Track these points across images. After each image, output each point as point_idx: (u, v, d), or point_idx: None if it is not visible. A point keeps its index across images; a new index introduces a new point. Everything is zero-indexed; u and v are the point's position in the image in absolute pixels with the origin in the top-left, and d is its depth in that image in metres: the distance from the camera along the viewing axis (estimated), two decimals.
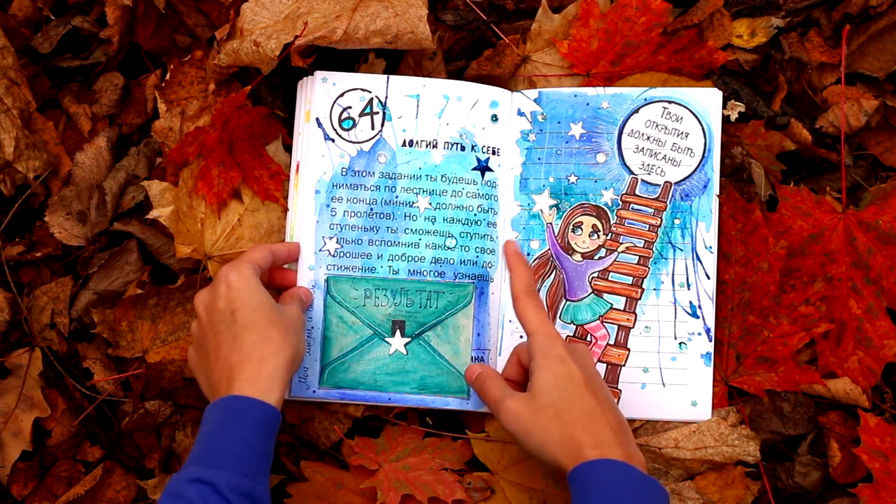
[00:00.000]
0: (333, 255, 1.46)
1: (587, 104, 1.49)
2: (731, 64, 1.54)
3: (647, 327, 1.46)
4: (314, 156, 1.48)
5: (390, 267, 1.46)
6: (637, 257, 1.47)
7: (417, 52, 1.53)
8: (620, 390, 1.46)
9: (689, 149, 1.47)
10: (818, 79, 1.56)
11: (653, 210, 1.47)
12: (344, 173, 1.47)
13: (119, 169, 1.55)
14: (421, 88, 1.48)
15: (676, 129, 1.47)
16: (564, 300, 1.47)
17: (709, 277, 1.45)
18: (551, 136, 1.49)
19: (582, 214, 1.48)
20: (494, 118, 1.49)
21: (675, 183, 1.47)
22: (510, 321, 1.47)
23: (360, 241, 1.47)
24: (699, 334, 1.45)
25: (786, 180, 1.53)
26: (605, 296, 1.47)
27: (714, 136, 1.47)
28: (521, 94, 1.51)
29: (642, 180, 1.47)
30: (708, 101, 1.48)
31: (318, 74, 1.48)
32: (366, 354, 1.46)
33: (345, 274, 1.47)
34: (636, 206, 1.47)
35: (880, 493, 1.40)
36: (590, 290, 1.47)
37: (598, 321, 1.47)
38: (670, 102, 1.48)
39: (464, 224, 1.46)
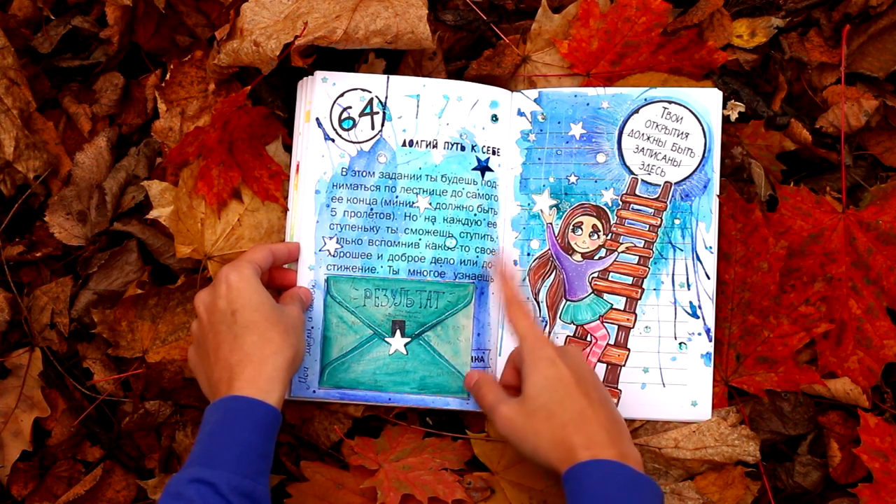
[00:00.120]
0: (333, 255, 1.46)
1: (587, 104, 1.49)
2: (731, 64, 1.54)
3: (647, 327, 1.46)
4: (314, 156, 1.48)
5: (390, 267, 1.46)
6: (637, 257, 1.47)
7: (417, 52, 1.53)
8: (620, 390, 1.46)
9: (689, 149, 1.47)
10: (818, 79, 1.56)
11: (653, 210, 1.47)
12: (344, 173, 1.47)
13: (119, 169, 1.55)
14: (421, 88, 1.48)
15: (676, 130, 1.47)
16: (564, 300, 1.47)
17: (709, 277, 1.45)
18: (551, 136, 1.49)
19: (582, 214, 1.48)
20: (494, 118, 1.49)
21: (676, 183, 1.47)
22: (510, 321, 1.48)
23: (360, 241, 1.47)
24: (699, 334, 1.45)
25: (786, 180, 1.53)
26: (606, 296, 1.47)
27: (714, 137, 1.47)
28: (521, 94, 1.51)
29: (642, 180, 1.47)
30: (708, 101, 1.48)
31: (318, 74, 1.48)
32: (366, 354, 1.46)
33: (345, 274, 1.47)
34: (636, 207, 1.47)
35: (880, 493, 1.40)
36: (590, 290, 1.47)
37: (598, 321, 1.47)
38: (670, 102, 1.48)
39: (464, 224, 1.46)
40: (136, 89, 1.61)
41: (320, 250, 1.47)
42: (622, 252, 1.47)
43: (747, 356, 1.46)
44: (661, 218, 1.46)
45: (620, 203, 1.47)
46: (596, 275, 1.47)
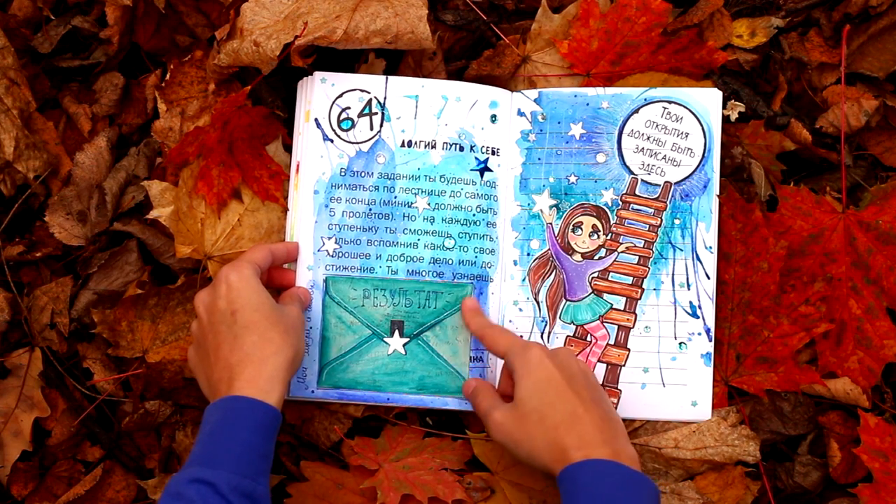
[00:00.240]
0: (332, 256, 1.46)
1: (587, 104, 1.49)
2: (731, 64, 1.54)
3: (647, 327, 1.46)
4: (313, 156, 1.48)
5: (389, 267, 1.46)
6: (637, 257, 1.47)
7: (417, 52, 1.53)
8: (620, 390, 1.46)
9: (688, 149, 1.47)
10: (818, 79, 1.56)
11: (653, 210, 1.47)
12: (343, 174, 1.47)
13: (119, 169, 1.55)
14: (420, 89, 1.48)
15: (676, 129, 1.47)
16: (564, 300, 1.47)
17: (709, 277, 1.45)
18: (551, 136, 1.49)
19: (582, 214, 1.48)
20: (494, 118, 1.49)
21: (675, 183, 1.47)
22: (510, 322, 1.47)
23: (358, 242, 1.47)
24: (699, 334, 1.45)
25: (786, 180, 1.53)
26: (605, 296, 1.47)
27: (714, 136, 1.47)
28: (521, 95, 1.51)
29: (642, 180, 1.47)
30: (708, 101, 1.48)
31: (317, 75, 1.48)
32: (364, 354, 1.46)
33: (343, 274, 1.47)
34: (636, 206, 1.47)
35: (880, 493, 1.40)
36: (590, 290, 1.47)
37: (598, 321, 1.47)
38: (670, 102, 1.48)
39: (462, 224, 1.46)
40: (136, 89, 1.61)
41: (319, 250, 1.47)
42: (622, 252, 1.47)
43: (747, 356, 1.46)
44: (660, 218, 1.46)
45: (620, 203, 1.47)
46: (596, 275, 1.47)
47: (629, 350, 1.46)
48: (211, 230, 1.49)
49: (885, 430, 1.42)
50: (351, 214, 1.47)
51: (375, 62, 1.54)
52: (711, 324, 1.45)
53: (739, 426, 1.43)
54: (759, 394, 1.45)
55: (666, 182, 1.47)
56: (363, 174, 1.47)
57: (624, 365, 1.46)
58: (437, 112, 1.48)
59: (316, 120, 1.48)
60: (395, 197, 1.47)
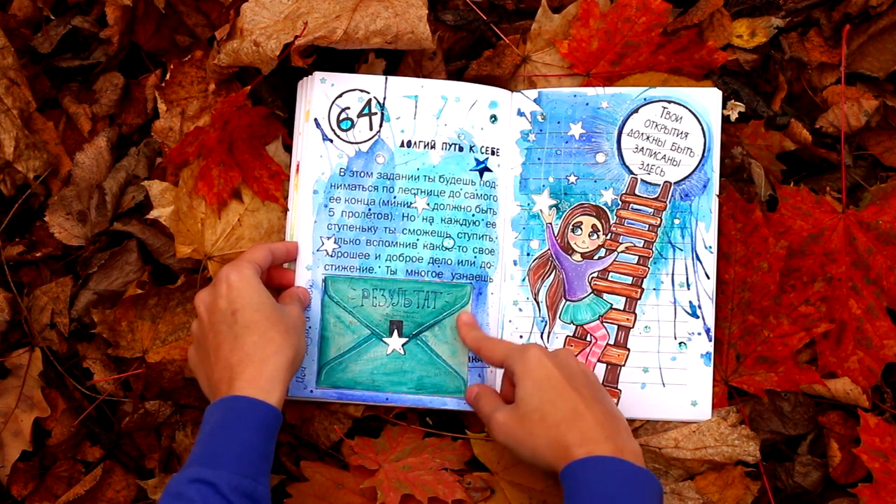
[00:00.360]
0: (331, 255, 1.46)
1: (587, 104, 1.49)
2: (731, 64, 1.54)
3: (646, 327, 1.46)
4: (313, 156, 1.48)
5: (388, 267, 1.46)
6: (637, 257, 1.47)
7: (417, 52, 1.53)
8: (620, 390, 1.46)
9: (688, 148, 1.47)
10: (818, 79, 1.56)
11: (652, 210, 1.47)
12: (342, 174, 1.47)
13: (119, 169, 1.55)
14: (419, 89, 1.48)
15: (676, 129, 1.47)
16: (564, 300, 1.47)
17: (708, 277, 1.45)
18: (551, 136, 1.49)
19: (581, 214, 1.48)
20: (493, 118, 1.49)
21: (675, 183, 1.47)
22: (510, 321, 1.47)
23: (357, 242, 1.47)
24: (699, 334, 1.45)
25: (786, 180, 1.53)
26: (605, 296, 1.47)
27: (714, 136, 1.47)
28: (521, 95, 1.51)
29: (642, 180, 1.47)
30: (707, 100, 1.48)
31: (317, 75, 1.49)
32: (363, 354, 1.46)
33: (342, 274, 1.47)
34: (636, 206, 1.47)
35: (880, 493, 1.40)
36: (589, 290, 1.47)
37: (597, 321, 1.47)
38: (670, 102, 1.48)
39: (461, 224, 1.46)
40: (136, 89, 1.61)
41: (318, 250, 1.47)
42: (622, 252, 1.47)
43: (747, 356, 1.46)
44: (660, 217, 1.46)
45: (620, 203, 1.47)
46: (595, 275, 1.47)
47: (629, 350, 1.46)
48: (211, 230, 1.49)
49: (885, 430, 1.42)
50: (350, 214, 1.47)
51: (375, 62, 1.54)
52: (711, 323, 1.45)
53: (739, 426, 1.43)
54: (759, 394, 1.45)
55: (665, 182, 1.47)
56: (362, 174, 1.47)
57: (624, 365, 1.46)
58: (437, 112, 1.48)
59: (315, 120, 1.48)
60: (395, 197, 1.47)
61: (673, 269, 1.46)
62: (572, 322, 1.47)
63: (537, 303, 1.47)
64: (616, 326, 1.47)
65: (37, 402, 1.51)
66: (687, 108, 1.48)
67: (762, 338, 1.45)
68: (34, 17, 1.61)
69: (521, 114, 1.50)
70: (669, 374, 1.45)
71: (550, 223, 1.48)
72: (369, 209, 1.47)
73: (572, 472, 1.24)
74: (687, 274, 1.46)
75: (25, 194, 1.55)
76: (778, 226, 1.47)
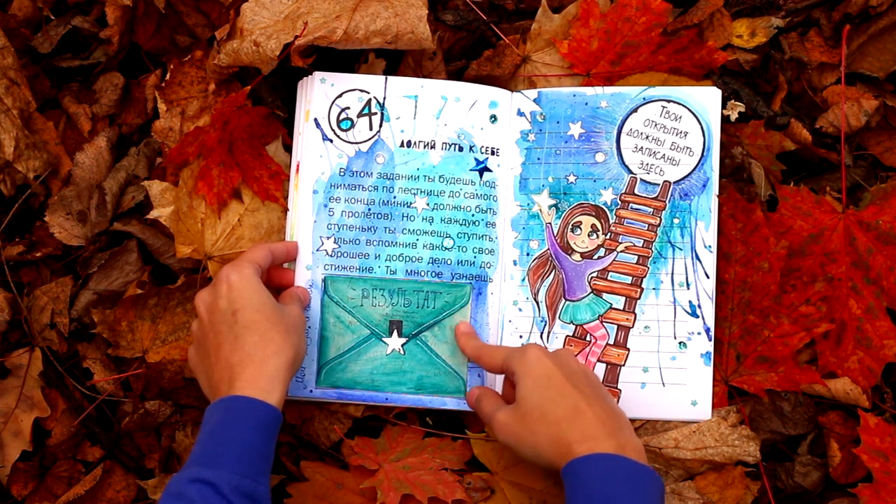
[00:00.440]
0: (331, 255, 1.47)
1: (586, 104, 1.49)
2: (731, 64, 1.54)
3: (646, 327, 1.46)
4: (312, 156, 1.48)
5: (388, 267, 1.46)
6: (636, 257, 1.47)
7: (417, 52, 1.53)
8: (620, 390, 1.46)
9: (687, 148, 1.47)
10: (818, 79, 1.56)
11: (652, 209, 1.47)
12: (342, 173, 1.47)
13: (119, 169, 1.55)
14: (419, 89, 1.48)
15: (675, 128, 1.47)
16: (564, 300, 1.47)
17: (708, 277, 1.45)
18: (550, 136, 1.49)
19: (581, 214, 1.48)
20: (493, 118, 1.49)
21: (674, 182, 1.47)
22: (510, 321, 1.47)
23: (357, 241, 1.47)
24: (699, 334, 1.45)
25: (786, 180, 1.53)
26: (605, 295, 1.47)
27: (713, 135, 1.47)
28: (521, 94, 1.51)
29: (641, 179, 1.47)
30: (707, 99, 1.48)
31: (317, 75, 1.49)
32: (363, 354, 1.47)
33: (342, 274, 1.47)
34: (635, 206, 1.47)
35: (880, 493, 1.40)
36: (589, 290, 1.47)
37: (597, 321, 1.47)
38: (669, 101, 1.48)
39: (461, 224, 1.46)
40: (136, 89, 1.61)
41: (318, 250, 1.47)
42: (621, 251, 1.47)
43: (747, 356, 1.46)
44: (660, 217, 1.46)
45: (619, 202, 1.47)
46: (595, 274, 1.47)
47: (629, 350, 1.46)
48: (211, 230, 1.50)
49: (885, 430, 1.42)
50: (350, 214, 1.47)
51: (375, 62, 1.54)
52: (711, 323, 1.45)
53: (739, 426, 1.43)
54: (759, 394, 1.45)
55: (665, 181, 1.47)
56: (362, 174, 1.47)
57: (623, 365, 1.46)
58: (437, 112, 1.48)
59: (315, 120, 1.48)
60: (395, 197, 1.47)
61: (672, 268, 1.46)
62: (572, 322, 1.47)
63: (537, 303, 1.47)
64: (616, 326, 1.47)
65: (37, 402, 1.51)
66: (686, 107, 1.48)
67: (762, 338, 1.45)
68: (34, 17, 1.61)
69: (520, 114, 1.50)
70: (669, 374, 1.45)
71: (550, 223, 1.48)
72: (369, 209, 1.47)
73: (574, 469, 1.24)
74: (686, 273, 1.46)
75: (25, 194, 1.55)
76: (778, 226, 1.47)
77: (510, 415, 1.32)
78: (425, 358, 1.46)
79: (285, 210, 1.50)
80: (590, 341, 1.47)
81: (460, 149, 1.48)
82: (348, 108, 1.48)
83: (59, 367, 1.53)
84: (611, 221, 1.47)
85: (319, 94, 1.48)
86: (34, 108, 1.56)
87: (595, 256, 1.47)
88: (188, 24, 1.59)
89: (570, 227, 1.48)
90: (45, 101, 1.61)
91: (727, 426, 1.43)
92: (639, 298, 1.46)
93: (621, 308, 1.46)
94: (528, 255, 1.48)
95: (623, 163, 1.48)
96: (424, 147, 1.48)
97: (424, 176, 1.47)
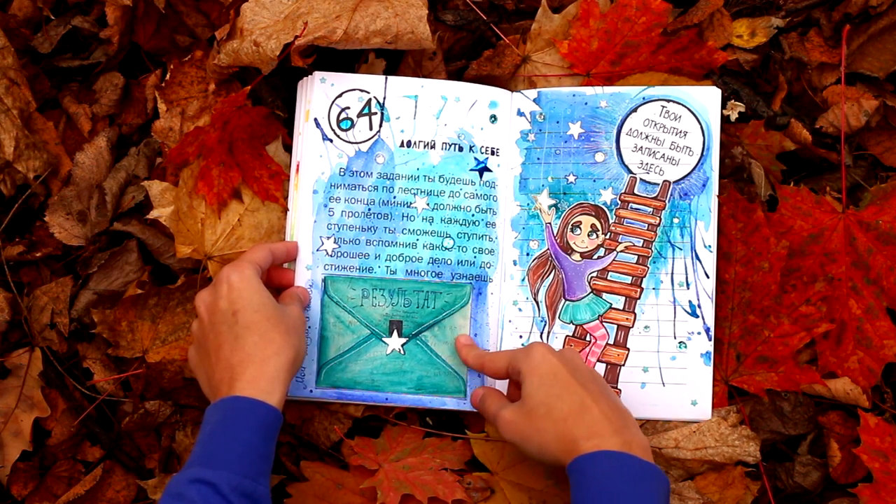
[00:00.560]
0: (331, 255, 1.47)
1: (585, 103, 1.49)
2: (731, 64, 1.54)
3: (646, 327, 1.46)
4: (312, 156, 1.48)
5: (388, 267, 1.46)
6: (636, 256, 1.47)
7: (417, 52, 1.53)
8: (620, 390, 1.46)
9: (687, 147, 1.47)
10: (818, 79, 1.56)
11: (651, 209, 1.47)
12: (342, 173, 1.47)
13: (119, 169, 1.55)
14: (419, 89, 1.48)
15: (675, 128, 1.47)
16: (563, 300, 1.47)
17: (708, 276, 1.45)
18: (550, 136, 1.49)
19: (581, 214, 1.48)
20: (493, 118, 1.49)
21: (674, 182, 1.47)
22: (510, 321, 1.47)
23: (357, 241, 1.47)
24: (699, 333, 1.45)
25: (786, 180, 1.53)
26: (605, 295, 1.47)
27: (713, 135, 1.47)
28: (521, 94, 1.51)
29: (641, 179, 1.47)
30: (706, 99, 1.48)
31: (317, 75, 1.49)
32: (363, 354, 1.47)
33: (342, 274, 1.47)
34: (635, 206, 1.47)
35: (880, 493, 1.40)
36: (589, 290, 1.47)
37: (597, 321, 1.47)
38: (668, 101, 1.48)
39: (461, 224, 1.46)
40: (136, 89, 1.61)
41: (318, 250, 1.47)
42: (621, 251, 1.47)
43: (747, 356, 1.46)
44: (659, 217, 1.46)
45: (619, 202, 1.47)
46: (595, 274, 1.47)
47: (629, 349, 1.46)
48: (211, 230, 1.50)
49: (885, 430, 1.42)
50: (350, 214, 1.47)
51: (375, 62, 1.54)
52: (711, 323, 1.45)
53: (739, 426, 1.43)
54: (759, 393, 1.45)
55: (665, 181, 1.47)
56: (362, 174, 1.47)
57: (623, 364, 1.46)
58: (437, 112, 1.48)
59: (315, 120, 1.48)
60: (394, 197, 1.47)
61: (672, 268, 1.46)
62: (572, 322, 1.47)
63: (537, 303, 1.47)
64: (615, 326, 1.47)
65: (37, 402, 1.51)
66: (686, 106, 1.48)
67: (762, 337, 1.45)
68: (34, 17, 1.61)
69: (520, 114, 1.50)
70: (669, 374, 1.45)
71: (550, 223, 1.48)
72: (369, 209, 1.47)
73: (580, 466, 1.23)
74: (686, 273, 1.46)
75: (25, 194, 1.55)
76: (778, 226, 1.47)
77: (515, 412, 1.32)
78: (425, 358, 1.46)
79: (285, 210, 1.50)
80: (590, 341, 1.47)
81: (460, 149, 1.48)
82: (348, 107, 1.48)
83: (59, 367, 1.53)
84: (610, 221, 1.47)
85: (319, 93, 1.48)
86: (34, 108, 1.56)
87: (595, 256, 1.47)
88: (188, 24, 1.59)
89: (569, 226, 1.48)
90: (45, 101, 1.61)
91: (727, 426, 1.43)
92: (639, 298, 1.46)
93: (621, 308, 1.46)
94: (527, 255, 1.48)
95: (623, 162, 1.48)
96: (424, 147, 1.48)
97: (424, 176, 1.47)
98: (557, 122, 1.49)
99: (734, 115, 1.51)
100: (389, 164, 1.48)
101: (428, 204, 1.47)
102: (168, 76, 1.54)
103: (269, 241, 1.50)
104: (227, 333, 1.30)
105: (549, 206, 1.48)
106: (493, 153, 1.49)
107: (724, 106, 1.50)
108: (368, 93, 1.48)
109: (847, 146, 1.53)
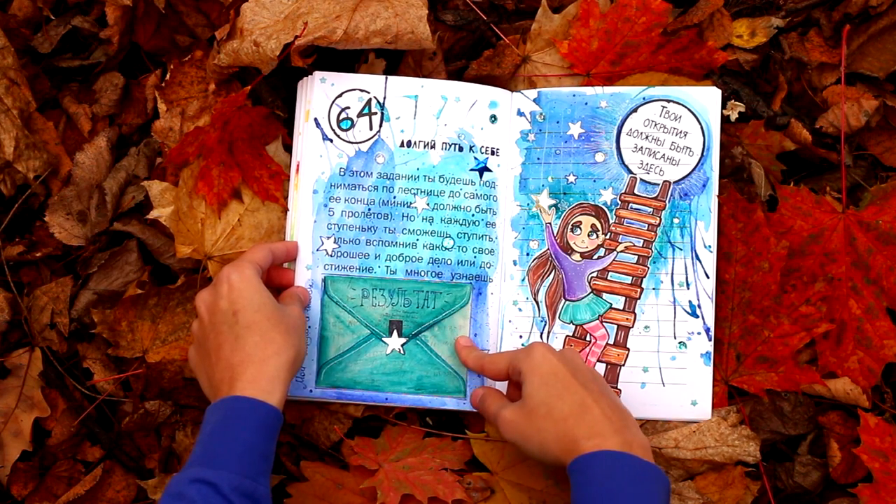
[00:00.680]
0: (331, 255, 1.47)
1: (586, 104, 1.49)
2: (731, 64, 1.54)
3: (646, 327, 1.46)
4: (312, 156, 1.48)
5: (388, 267, 1.46)
6: (636, 257, 1.47)
7: (417, 52, 1.53)
8: (620, 390, 1.46)
9: (687, 147, 1.47)
10: (818, 79, 1.56)
11: (651, 209, 1.47)
12: (342, 173, 1.47)
13: (119, 169, 1.55)
14: (419, 89, 1.48)
15: (675, 128, 1.47)
16: (563, 300, 1.47)
17: (708, 277, 1.45)
18: (550, 136, 1.49)
19: (581, 214, 1.48)
20: (493, 118, 1.49)
21: (674, 182, 1.47)
22: (510, 321, 1.47)
23: (357, 241, 1.47)
24: (699, 334, 1.45)
25: (786, 180, 1.53)
26: (605, 295, 1.47)
27: (713, 135, 1.47)
28: (521, 94, 1.51)
29: (641, 179, 1.47)
30: (706, 99, 1.48)
31: (317, 75, 1.49)
32: (363, 354, 1.47)
33: (342, 274, 1.47)
34: (635, 206, 1.47)
35: (880, 493, 1.40)
36: (589, 290, 1.47)
37: (597, 321, 1.47)
38: (669, 101, 1.48)
39: (461, 224, 1.46)
40: (136, 89, 1.61)
41: (318, 250, 1.47)
42: (621, 251, 1.47)
43: (747, 356, 1.46)
44: (659, 217, 1.46)
45: (619, 202, 1.47)
46: (595, 274, 1.47)
47: (629, 349, 1.46)
48: (211, 230, 1.50)
49: (885, 430, 1.42)
50: (350, 214, 1.47)
51: (375, 62, 1.54)
52: (711, 323, 1.45)
53: (739, 426, 1.43)
54: (759, 394, 1.45)
55: (665, 181, 1.47)
56: (362, 174, 1.47)
57: (623, 364, 1.46)
58: (437, 112, 1.48)
59: (315, 120, 1.48)
60: (394, 197, 1.47)
61: (672, 268, 1.46)
62: (572, 322, 1.47)
63: (537, 303, 1.47)
64: (615, 326, 1.47)
65: (37, 402, 1.51)
66: (686, 107, 1.48)
67: (762, 338, 1.45)
68: (34, 17, 1.61)
69: (520, 114, 1.50)
70: (669, 374, 1.45)
71: (550, 223, 1.48)
72: (369, 209, 1.47)
73: (580, 466, 1.24)
74: (686, 273, 1.46)
75: (25, 194, 1.55)
76: (778, 226, 1.47)
77: (516, 412, 1.32)
78: (425, 358, 1.46)
79: (285, 210, 1.50)
80: (590, 341, 1.47)
81: (460, 149, 1.48)
82: (348, 107, 1.48)
83: (59, 367, 1.53)
84: (611, 221, 1.47)
85: (319, 93, 1.48)
86: (34, 108, 1.56)
87: (595, 256, 1.47)
88: (188, 24, 1.59)
89: (569, 227, 1.48)
90: (45, 101, 1.60)
91: (727, 426, 1.43)
92: (639, 298, 1.46)
93: (621, 308, 1.46)
94: (527, 255, 1.48)
95: (623, 163, 1.48)
96: (424, 147, 1.48)
97: (424, 176, 1.47)
98: (557, 122, 1.49)
99: (734, 115, 1.51)
100: (389, 164, 1.48)
101: (428, 204, 1.47)
102: (168, 76, 1.54)
103: (269, 241, 1.50)
104: (227, 333, 1.30)
105: (549, 206, 1.48)
106: (493, 153, 1.49)
107: (724, 106, 1.50)
108: (368, 93, 1.48)
109: (847, 146, 1.52)
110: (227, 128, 1.47)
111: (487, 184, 1.48)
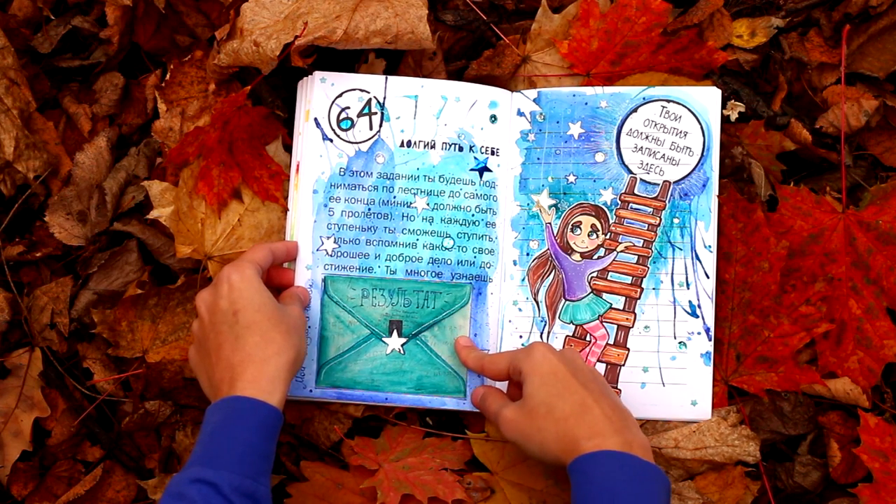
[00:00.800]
0: (331, 255, 1.47)
1: (586, 104, 1.49)
2: (731, 64, 1.54)
3: (646, 327, 1.46)
4: (312, 156, 1.48)
5: (388, 267, 1.46)
6: (636, 257, 1.47)
7: (417, 52, 1.53)
8: (620, 390, 1.46)
9: (687, 147, 1.47)
10: (818, 79, 1.56)
11: (651, 209, 1.47)
12: (342, 173, 1.47)
13: (119, 169, 1.55)
14: (419, 89, 1.48)
15: (675, 128, 1.47)
16: (564, 300, 1.47)
17: (708, 277, 1.45)
18: (550, 136, 1.49)
19: (581, 214, 1.48)
20: (493, 118, 1.49)
21: (674, 182, 1.47)
22: (510, 321, 1.47)
23: (357, 241, 1.47)
24: (699, 334, 1.45)
25: (786, 180, 1.53)
26: (605, 295, 1.47)
27: (713, 135, 1.47)
28: (521, 94, 1.51)
29: (641, 179, 1.47)
30: (706, 99, 1.48)
31: (317, 75, 1.49)
32: (363, 354, 1.47)
33: (342, 274, 1.47)
34: (635, 206, 1.47)
35: (880, 493, 1.40)
36: (589, 290, 1.47)
37: (597, 321, 1.47)
38: (669, 101, 1.48)
39: (461, 224, 1.46)
40: (136, 89, 1.61)
41: (318, 250, 1.47)
42: (621, 251, 1.47)
43: (747, 356, 1.45)
44: (659, 217, 1.46)
45: (619, 202, 1.47)
46: (595, 274, 1.47)
47: (629, 349, 1.46)
48: (211, 230, 1.50)
49: (885, 430, 1.42)
50: (350, 214, 1.47)
51: (375, 62, 1.54)
52: (711, 323, 1.45)
53: (739, 426, 1.43)
54: (759, 393, 1.45)
55: (665, 181, 1.47)
56: (362, 174, 1.47)
57: (623, 364, 1.46)
58: (437, 112, 1.48)
59: (315, 120, 1.48)
60: (394, 197, 1.47)
61: (672, 268, 1.46)
62: (572, 322, 1.47)
63: (537, 303, 1.47)
64: (616, 326, 1.47)
65: (37, 402, 1.51)
66: (686, 107, 1.48)
67: (762, 338, 1.45)
68: (34, 17, 1.61)
69: (520, 114, 1.50)
70: (669, 374, 1.45)
71: (550, 223, 1.48)
72: (369, 209, 1.47)
73: (581, 466, 1.24)
74: (686, 273, 1.46)
75: (25, 194, 1.55)
76: (778, 226, 1.47)
77: (516, 411, 1.32)
78: (425, 358, 1.46)
79: (285, 210, 1.50)
80: (590, 341, 1.47)
81: (460, 149, 1.48)
82: (348, 107, 1.48)
83: (59, 367, 1.53)
84: (611, 221, 1.47)
85: (319, 93, 1.48)
86: (34, 108, 1.56)
87: (595, 256, 1.47)
88: (188, 24, 1.59)
89: (569, 227, 1.48)
90: (45, 101, 1.60)
91: (727, 426, 1.43)
92: (639, 298, 1.46)
93: (621, 308, 1.46)
94: (527, 255, 1.48)
95: (623, 163, 1.48)
96: (424, 147, 1.48)
97: (424, 176, 1.47)
98: (557, 122, 1.49)
99: (734, 115, 1.51)
100: (389, 164, 1.48)
101: (428, 204, 1.47)
102: (168, 76, 1.54)
103: (270, 240, 1.50)
104: (227, 333, 1.30)
105: (550, 206, 1.48)
106: (493, 153, 1.49)
107: (724, 106, 1.50)
108: (368, 93, 1.48)
109: (847, 146, 1.53)
110: (227, 128, 1.47)
111: (487, 184, 1.48)
